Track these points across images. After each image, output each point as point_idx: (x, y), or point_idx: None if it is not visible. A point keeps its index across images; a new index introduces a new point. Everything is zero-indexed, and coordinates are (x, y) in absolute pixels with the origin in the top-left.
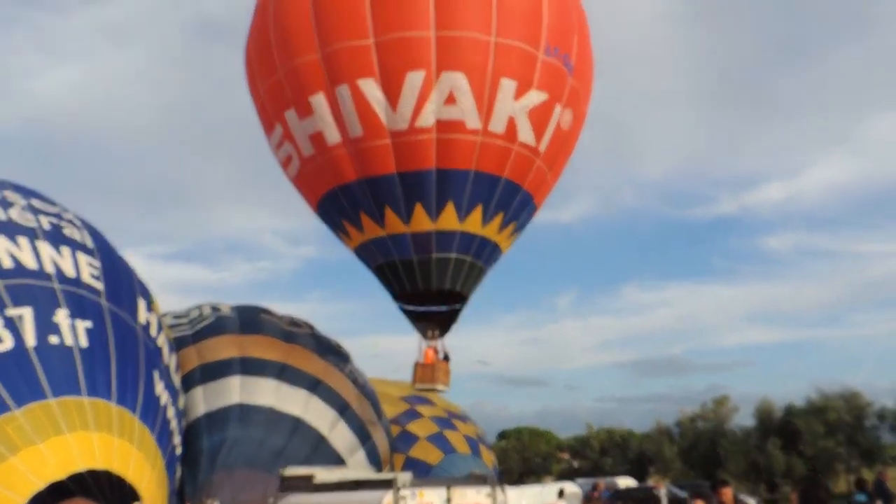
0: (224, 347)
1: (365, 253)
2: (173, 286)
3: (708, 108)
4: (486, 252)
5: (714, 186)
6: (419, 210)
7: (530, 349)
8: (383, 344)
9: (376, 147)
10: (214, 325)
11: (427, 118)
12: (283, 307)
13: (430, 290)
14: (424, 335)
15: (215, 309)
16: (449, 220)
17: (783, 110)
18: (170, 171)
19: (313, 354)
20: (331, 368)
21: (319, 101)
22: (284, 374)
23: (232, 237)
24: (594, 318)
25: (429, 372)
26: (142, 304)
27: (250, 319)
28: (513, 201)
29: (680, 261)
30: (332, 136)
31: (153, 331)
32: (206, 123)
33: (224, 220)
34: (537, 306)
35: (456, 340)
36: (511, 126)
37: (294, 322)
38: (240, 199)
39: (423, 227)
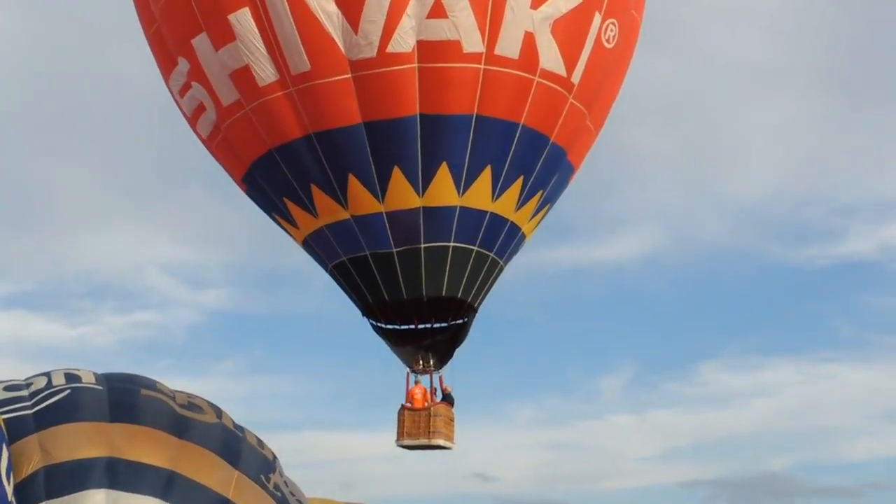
0: (83, 441)
1: (318, 246)
2: (10, 345)
3: (835, 99)
4: (500, 238)
5: (841, 214)
6: (398, 178)
7: (557, 459)
8: (330, 443)
9: (331, 86)
10: (69, 403)
11: (403, 40)
12: (176, 382)
13: (420, 300)
14: (412, 367)
15: (71, 378)
16: (443, 191)
17: None
18: (7, 173)
19: (219, 458)
20: (245, 481)
21: (244, 19)
22: (173, 488)
23: (98, 274)
24: (656, 411)
25: (421, 421)
26: None
27: (125, 398)
28: (537, 160)
29: (788, 326)
30: (265, 71)
31: None
32: (62, 102)
33: (87, 247)
34: (568, 392)
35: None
36: (529, 47)
37: (192, 404)
38: (111, 216)
39: (406, 203)
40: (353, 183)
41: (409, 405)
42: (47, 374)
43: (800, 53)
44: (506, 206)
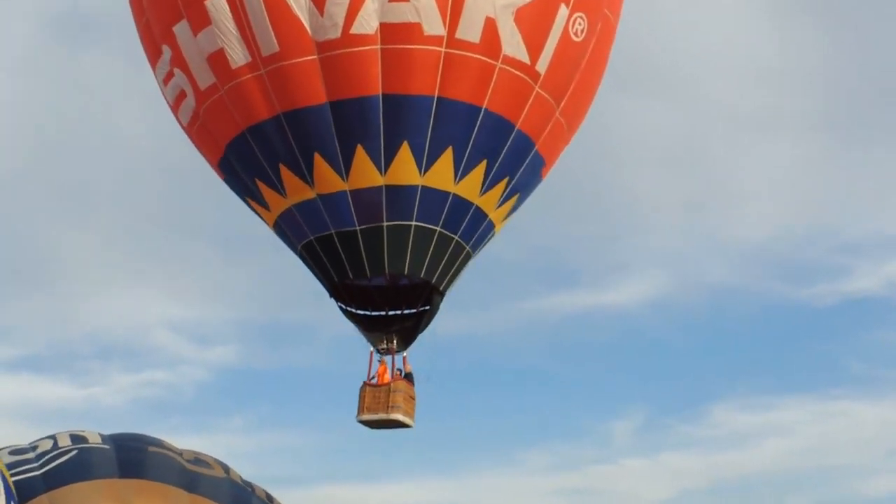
0: (95, 498)
1: (287, 226)
2: (19, 407)
3: (835, 139)
4: (464, 222)
5: (846, 253)
6: (361, 156)
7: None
8: (341, 497)
9: (298, 66)
10: (78, 463)
11: (367, 22)
12: (184, 440)
13: (384, 286)
14: (376, 347)
15: (77, 439)
16: (404, 170)
17: None
18: (13, 236)
19: None
20: None
21: (219, 4)
22: None
23: (106, 334)
24: (668, 454)
25: (381, 397)
26: None
27: (133, 456)
28: (501, 145)
29: (797, 365)
30: (238, 54)
31: None
32: (67, 166)
33: (95, 307)
34: (580, 436)
35: (453, 489)
36: (490, 33)
37: (199, 460)
38: (117, 277)
39: (368, 181)
40: (319, 161)
41: (371, 382)
42: (53, 437)
43: (796, 96)
44: (469, 189)
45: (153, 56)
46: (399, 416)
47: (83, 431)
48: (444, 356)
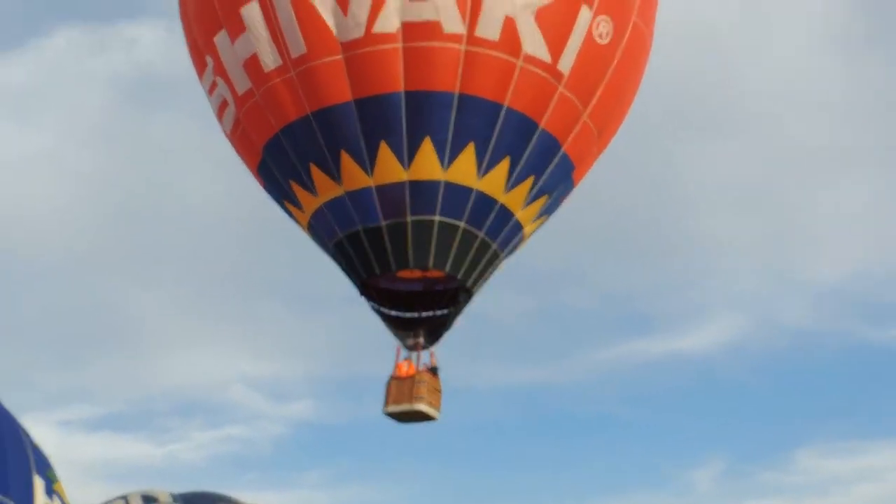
0: None
1: (319, 226)
2: (99, 467)
3: None
4: (490, 219)
5: None
6: (385, 152)
7: None
8: None
9: (324, 66)
10: None
11: (389, 20)
12: (262, 495)
13: (419, 288)
14: (404, 344)
15: (149, 500)
16: (427, 164)
17: None
18: (92, 299)
19: None
20: None
21: (253, 12)
22: None
23: (184, 392)
24: (752, 502)
25: (405, 388)
26: (38, 486)
27: None
28: (525, 143)
29: (886, 408)
30: (270, 57)
31: None
32: (143, 227)
33: (172, 366)
34: (662, 484)
35: None
36: (510, 31)
37: None
38: (194, 336)
39: (392, 176)
40: (346, 159)
41: (396, 375)
42: (124, 497)
43: (871, 132)
44: (493, 185)
45: (199, 68)
46: (423, 407)
47: (153, 490)
48: (522, 405)
